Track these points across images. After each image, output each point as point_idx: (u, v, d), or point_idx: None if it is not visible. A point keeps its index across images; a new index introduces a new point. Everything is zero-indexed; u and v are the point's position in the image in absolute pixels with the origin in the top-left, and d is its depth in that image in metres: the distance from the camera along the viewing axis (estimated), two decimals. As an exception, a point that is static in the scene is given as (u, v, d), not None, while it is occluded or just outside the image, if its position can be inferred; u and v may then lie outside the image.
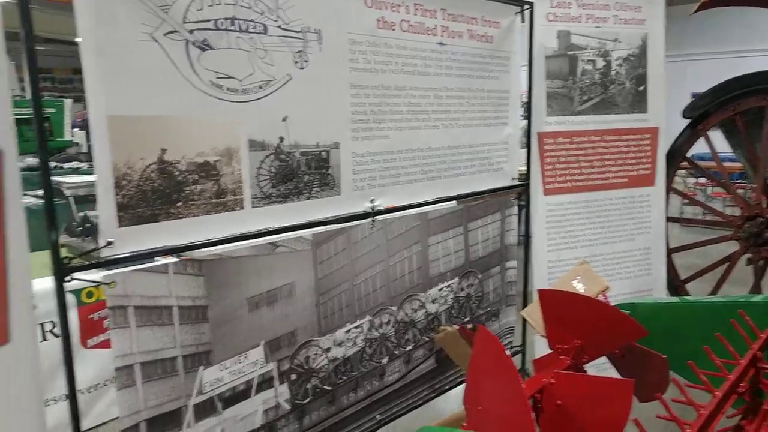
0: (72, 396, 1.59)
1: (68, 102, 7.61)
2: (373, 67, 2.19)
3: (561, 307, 1.93)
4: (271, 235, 1.97)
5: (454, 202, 2.59)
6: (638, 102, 3.14)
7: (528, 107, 2.89)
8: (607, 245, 3.17)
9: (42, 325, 2.72)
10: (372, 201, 2.27)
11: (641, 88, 3.12)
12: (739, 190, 5.46)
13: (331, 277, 2.20)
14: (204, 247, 1.80)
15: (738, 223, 3.49)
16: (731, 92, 3.38)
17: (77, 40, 1.49)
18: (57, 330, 2.51)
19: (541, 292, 1.96)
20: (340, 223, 2.18)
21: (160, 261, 1.74)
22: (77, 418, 1.62)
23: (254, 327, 1.98)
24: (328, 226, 2.14)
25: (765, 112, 3.25)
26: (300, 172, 2.03)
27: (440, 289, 2.63)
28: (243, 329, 1.95)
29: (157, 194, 1.67)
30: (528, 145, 2.95)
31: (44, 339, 2.75)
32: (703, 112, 3.54)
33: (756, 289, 3.44)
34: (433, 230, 2.56)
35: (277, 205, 1.97)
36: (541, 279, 3.05)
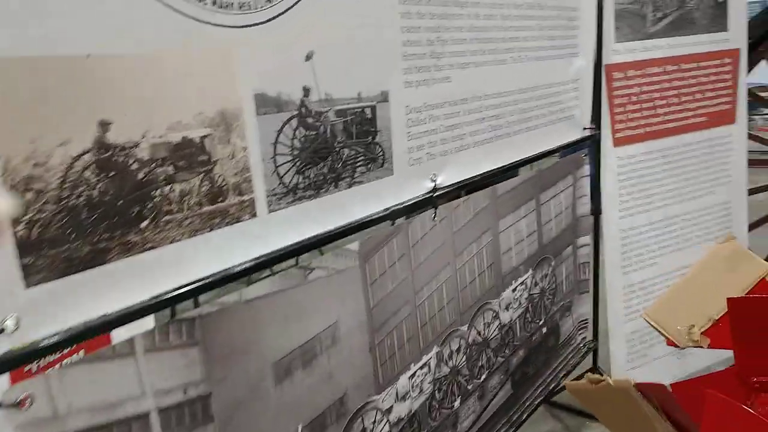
0: None
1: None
2: (426, -34, 1.38)
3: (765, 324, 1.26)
4: (303, 251, 1.18)
5: (528, 167, 1.85)
6: (717, 17, 2.45)
7: (597, 32, 2.14)
8: (683, 203, 2.52)
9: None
10: (433, 177, 1.50)
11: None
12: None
13: (388, 301, 1.43)
14: (195, 294, 1.00)
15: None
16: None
17: None
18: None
19: (732, 301, 1.28)
20: (396, 217, 1.40)
21: (119, 336, 0.92)
22: None
23: (286, 406, 1.20)
24: (380, 225, 1.37)
25: None
26: (336, 145, 1.22)
27: (514, 290, 1.91)
28: (269, 414, 1.17)
29: (98, 211, 0.84)
30: (595, 84, 2.22)
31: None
32: (765, 31, 2.90)
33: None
34: (503, 210, 1.82)
35: (306, 202, 1.17)
36: (613, 255, 2.38)
